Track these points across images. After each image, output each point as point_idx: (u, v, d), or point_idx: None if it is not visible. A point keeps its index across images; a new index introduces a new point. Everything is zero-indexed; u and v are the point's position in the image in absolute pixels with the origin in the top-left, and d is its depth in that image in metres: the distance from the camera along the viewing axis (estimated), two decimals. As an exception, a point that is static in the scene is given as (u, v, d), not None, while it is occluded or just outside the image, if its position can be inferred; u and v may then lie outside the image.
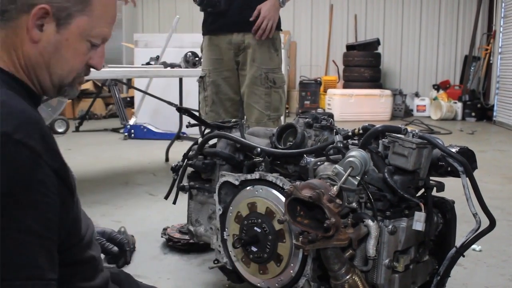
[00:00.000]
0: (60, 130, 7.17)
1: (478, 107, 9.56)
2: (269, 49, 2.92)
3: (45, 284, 0.91)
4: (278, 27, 2.95)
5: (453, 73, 10.75)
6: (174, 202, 2.18)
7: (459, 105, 9.64)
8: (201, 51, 3.16)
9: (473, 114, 9.54)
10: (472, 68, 10.17)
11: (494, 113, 9.16)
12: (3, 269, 0.86)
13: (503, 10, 9.20)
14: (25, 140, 0.90)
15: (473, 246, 2.52)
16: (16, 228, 0.88)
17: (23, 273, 0.88)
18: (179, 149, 2.33)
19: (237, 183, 1.80)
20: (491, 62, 9.77)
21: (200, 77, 3.13)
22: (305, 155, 1.71)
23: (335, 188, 1.40)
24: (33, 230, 0.90)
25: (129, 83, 7.38)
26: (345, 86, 9.94)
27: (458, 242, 1.60)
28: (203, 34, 3.08)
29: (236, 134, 1.97)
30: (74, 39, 1.06)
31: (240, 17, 2.86)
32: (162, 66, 4.90)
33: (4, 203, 0.87)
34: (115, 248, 1.36)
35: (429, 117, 9.78)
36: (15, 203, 0.88)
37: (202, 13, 3.06)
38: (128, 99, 9.25)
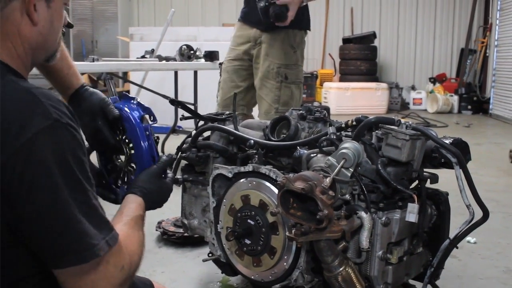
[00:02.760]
0: (55, 124, 7.14)
1: (474, 100, 9.57)
2: (284, 45, 3.00)
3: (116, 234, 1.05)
4: (299, 26, 3.02)
5: (450, 66, 10.75)
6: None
7: (455, 98, 9.65)
8: None
9: (469, 107, 9.56)
10: (469, 61, 10.17)
11: (490, 106, 9.18)
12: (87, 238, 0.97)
13: (499, 2, 9.19)
14: (70, 122, 0.97)
15: (468, 238, 2.53)
16: (84, 200, 0.98)
17: (104, 232, 1.01)
18: (175, 143, 2.32)
19: (230, 175, 1.79)
20: (487, 55, 9.78)
21: (219, 63, 3.34)
22: (298, 147, 1.70)
23: (328, 180, 1.39)
24: (93, 200, 1.01)
25: (124, 77, 7.34)
26: (341, 80, 9.93)
27: (452, 234, 1.60)
28: (238, 20, 3.24)
29: (229, 127, 1.96)
30: (59, 7, 1.09)
31: (264, 17, 2.91)
32: (157, 59, 4.87)
33: (69, 181, 0.95)
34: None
35: (426, 110, 9.79)
36: (78, 179, 0.97)
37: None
38: (124, 92, 9.22)
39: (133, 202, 1.25)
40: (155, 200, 1.33)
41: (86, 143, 1.12)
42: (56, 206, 0.94)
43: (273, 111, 2.98)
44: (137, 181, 1.32)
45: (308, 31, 3.14)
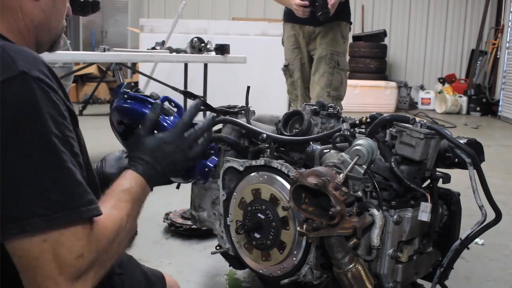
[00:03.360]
0: (63, 114, 7.16)
1: (483, 102, 9.52)
2: (336, 35, 3.29)
3: (92, 209, 0.89)
4: (347, 19, 3.35)
5: (459, 67, 10.70)
6: (178, 187, 2.16)
7: (464, 99, 9.60)
8: (282, 43, 3.57)
9: (478, 108, 9.51)
10: (479, 63, 10.12)
11: (499, 108, 9.13)
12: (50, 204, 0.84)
13: (512, 4, 9.13)
14: (41, 77, 0.89)
15: (476, 240, 2.51)
16: (55, 162, 0.86)
17: (68, 204, 0.85)
18: (184, 135, 2.31)
19: (241, 169, 1.78)
20: (498, 57, 9.72)
21: (284, 65, 3.53)
22: (311, 143, 1.69)
23: (341, 176, 1.39)
24: (68, 164, 0.88)
25: (133, 68, 7.34)
26: (350, 77, 9.88)
27: (462, 235, 1.59)
28: (284, 21, 3.48)
29: (242, 120, 1.95)
30: None
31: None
32: (168, 51, 4.87)
33: (39, 138, 0.85)
34: None
35: (434, 110, 9.76)
36: (52, 138, 0.86)
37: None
38: (133, 84, 9.21)
39: (122, 177, 1.06)
40: (163, 172, 1.10)
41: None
42: (5, 163, 0.83)
43: (325, 94, 3.19)
44: (140, 146, 1.09)
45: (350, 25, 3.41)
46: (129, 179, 1.05)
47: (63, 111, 0.91)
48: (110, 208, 0.96)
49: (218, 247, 1.96)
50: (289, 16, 3.37)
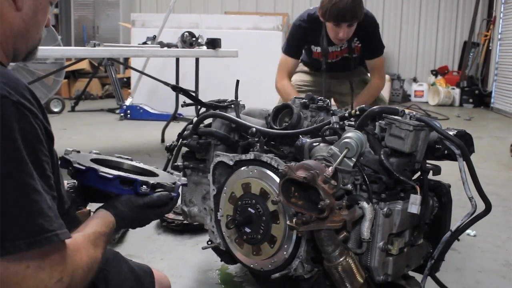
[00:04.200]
0: (55, 110, 7.13)
1: (476, 94, 9.54)
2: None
3: (64, 232, 0.93)
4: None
5: (452, 59, 10.71)
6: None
7: (457, 91, 9.62)
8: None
9: (470, 100, 9.53)
10: (471, 54, 10.13)
11: (492, 100, 9.15)
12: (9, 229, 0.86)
13: (503, -4, 9.14)
14: (22, 101, 0.90)
15: (468, 231, 2.52)
16: (24, 186, 0.88)
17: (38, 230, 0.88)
18: (175, 130, 2.31)
19: (231, 163, 1.77)
20: (490, 48, 9.73)
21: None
22: (300, 136, 1.68)
23: (330, 169, 1.38)
24: (39, 188, 0.90)
25: (125, 63, 7.31)
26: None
27: (453, 227, 1.58)
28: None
29: (231, 114, 1.94)
30: (45, 1, 1.09)
31: None
32: (159, 46, 4.84)
33: (11, 162, 0.86)
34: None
35: (427, 102, 9.78)
36: (22, 162, 0.88)
37: None
38: (125, 79, 9.19)
39: (101, 217, 1.13)
40: (127, 224, 1.21)
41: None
42: None
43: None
44: (116, 201, 1.18)
45: None
46: (103, 218, 1.13)
47: (40, 135, 0.93)
48: (89, 242, 1.03)
49: (209, 242, 1.95)
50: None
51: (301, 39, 3.10)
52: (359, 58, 3.18)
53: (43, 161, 0.93)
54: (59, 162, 1.15)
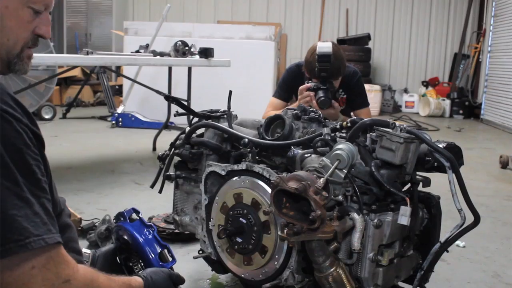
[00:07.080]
0: (47, 117, 7.10)
1: (466, 105, 9.63)
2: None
3: (55, 237, 0.96)
4: None
5: (442, 70, 10.81)
6: (160, 191, 2.17)
7: (447, 102, 9.70)
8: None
9: (461, 111, 9.61)
10: (461, 66, 10.23)
11: (482, 111, 9.23)
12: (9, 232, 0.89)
13: (493, 8, 9.24)
14: (4, 107, 0.91)
15: (457, 242, 2.54)
16: (14, 191, 0.90)
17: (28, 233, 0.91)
18: (167, 139, 2.31)
19: (223, 173, 1.78)
20: (480, 60, 9.83)
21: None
22: (292, 147, 1.70)
23: (321, 181, 1.39)
24: (29, 192, 0.92)
25: (118, 71, 7.31)
26: (334, 80, 9.92)
27: (443, 238, 1.60)
28: None
29: (224, 124, 1.95)
30: (14, 6, 1.04)
31: None
32: (152, 54, 4.85)
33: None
34: None
35: (418, 113, 9.84)
36: (10, 168, 0.90)
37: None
38: (117, 87, 9.18)
39: (132, 279, 1.30)
40: None
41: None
42: None
43: None
44: (148, 270, 1.44)
45: None
46: (133, 280, 1.31)
47: (26, 139, 0.94)
48: (105, 276, 1.12)
49: (200, 252, 1.95)
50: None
51: (290, 84, 3.13)
52: (346, 111, 3.12)
53: (32, 165, 0.94)
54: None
